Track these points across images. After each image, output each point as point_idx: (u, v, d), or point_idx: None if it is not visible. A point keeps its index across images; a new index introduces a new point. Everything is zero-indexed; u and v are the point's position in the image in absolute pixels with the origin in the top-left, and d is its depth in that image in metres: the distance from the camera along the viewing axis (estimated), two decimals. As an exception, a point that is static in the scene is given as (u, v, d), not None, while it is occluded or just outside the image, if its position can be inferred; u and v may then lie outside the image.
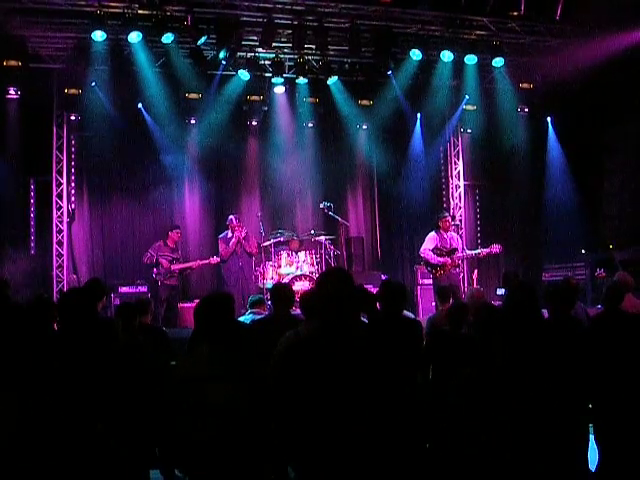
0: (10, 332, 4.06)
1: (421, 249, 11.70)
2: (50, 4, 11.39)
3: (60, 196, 13.39)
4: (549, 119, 15.54)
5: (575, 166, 14.98)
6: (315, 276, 12.38)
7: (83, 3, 11.43)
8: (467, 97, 14.73)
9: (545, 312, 5.49)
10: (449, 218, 11.96)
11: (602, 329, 4.44)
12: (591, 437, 4.19)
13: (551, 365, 3.57)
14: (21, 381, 3.47)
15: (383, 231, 15.82)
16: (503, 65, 13.72)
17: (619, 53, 12.12)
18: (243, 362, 3.51)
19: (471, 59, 13.45)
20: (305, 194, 15.18)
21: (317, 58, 13.70)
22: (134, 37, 11.92)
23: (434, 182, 15.99)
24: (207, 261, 12.54)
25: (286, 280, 12.08)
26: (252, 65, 13.34)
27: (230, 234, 12.40)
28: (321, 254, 13.04)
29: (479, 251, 12.22)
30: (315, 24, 12.54)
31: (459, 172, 15.96)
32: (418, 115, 15.18)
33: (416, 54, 13.17)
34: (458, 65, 13.72)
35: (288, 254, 12.83)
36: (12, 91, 12.64)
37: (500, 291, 13.01)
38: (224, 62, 12.93)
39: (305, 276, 12.48)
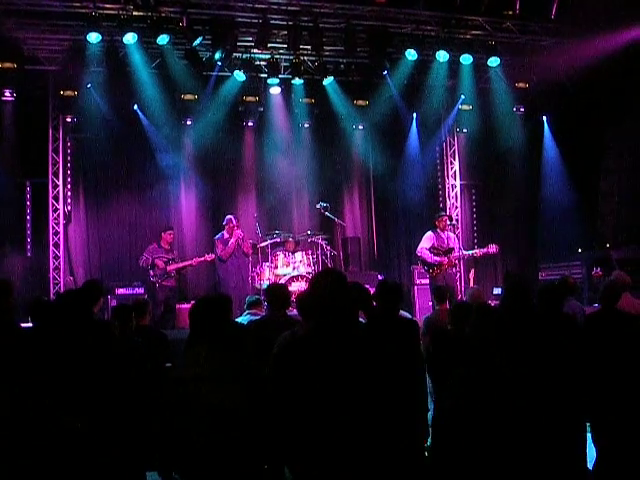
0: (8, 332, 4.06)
1: (418, 248, 11.72)
2: (45, 6, 11.38)
3: (56, 198, 13.37)
4: (545, 118, 15.56)
5: (571, 165, 15.01)
6: (311, 277, 12.38)
7: (78, 5, 11.41)
8: (463, 97, 14.74)
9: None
10: (446, 218, 11.97)
11: (596, 327, 4.44)
12: (588, 435, 4.20)
13: (546, 363, 3.57)
14: (15, 382, 3.47)
15: (380, 231, 15.81)
16: (499, 65, 13.73)
17: (614, 52, 12.13)
18: (240, 363, 3.51)
19: (466, 59, 13.46)
20: (301, 194, 15.18)
21: (313, 58, 13.70)
22: (129, 38, 11.89)
23: (430, 182, 16.02)
24: (203, 258, 12.51)
25: (283, 281, 12.08)
26: (248, 66, 13.34)
27: (227, 235, 12.38)
28: (318, 254, 13.04)
29: (476, 251, 12.25)
30: (310, 24, 12.53)
31: (455, 172, 15.97)
32: (414, 115, 15.18)
33: (411, 54, 13.16)
34: (454, 65, 13.74)
35: (285, 255, 12.83)
36: (7, 93, 12.64)
37: (497, 290, 13.04)
38: (219, 63, 12.91)
39: (302, 277, 12.48)
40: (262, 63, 13.64)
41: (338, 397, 3.16)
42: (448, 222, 11.91)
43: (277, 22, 12.57)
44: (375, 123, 14.84)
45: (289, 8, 12.27)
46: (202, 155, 14.29)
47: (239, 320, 6.77)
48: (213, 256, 12.49)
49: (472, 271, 14.17)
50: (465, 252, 12.02)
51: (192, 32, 12.08)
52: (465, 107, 14.97)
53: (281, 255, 12.82)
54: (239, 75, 13.34)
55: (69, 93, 12.87)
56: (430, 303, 11.93)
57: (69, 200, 13.68)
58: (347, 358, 3.23)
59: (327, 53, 13.52)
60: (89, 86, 12.74)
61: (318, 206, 13.41)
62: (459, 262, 13.08)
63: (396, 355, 3.50)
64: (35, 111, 13.12)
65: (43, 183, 13.36)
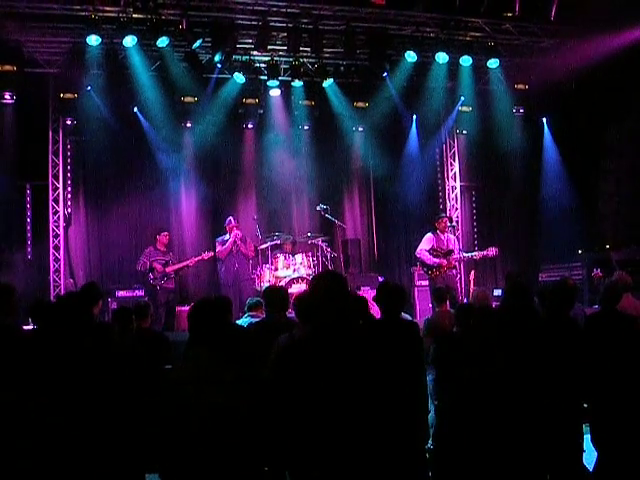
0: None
1: (417, 250, 11.73)
2: (45, 9, 11.38)
3: (56, 200, 13.38)
4: (544, 120, 15.56)
5: (571, 166, 15.00)
6: (311, 279, 12.37)
7: (78, 7, 11.42)
8: (462, 98, 14.75)
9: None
10: (446, 219, 11.98)
11: (596, 329, 4.43)
12: (588, 437, 4.20)
13: (546, 364, 3.57)
14: (16, 384, 3.47)
15: (380, 233, 15.81)
16: (498, 66, 13.76)
17: (614, 53, 12.13)
18: (240, 365, 3.50)
19: (466, 60, 13.48)
20: (301, 197, 15.17)
21: (312, 61, 13.70)
22: (129, 41, 11.91)
23: (430, 184, 16.01)
24: (200, 257, 12.50)
25: (283, 283, 12.08)
26: (247, 68, 13.35)
27: (227, 236, 12.41)
28: (318, 256, 13.04)
29: (475, 254, 12.27)
30: (310, 27, 12.54)
31: (455, 173, 15.98)
32: (414, 117, 15.19)
33: (411, 56, 13.17)
34: (453, 66, 13.76)
35: (285, 257, 12.83)
36: (7, 96, 12.64)
37: (497, 292, 13.02)
38: (219, 65, 12.93)
39: (302, 279, 12.47)
40: (262, 65, 13.64)
41: (337, 399, 3.16)
42: (448, 224, 11.93)
43: (277, 24, 12.57)
44: (375, 125, 14.84)
45: (289, 10, 12.27)
46: (202, 157, 14.29)
47: (239, 322, 6.77)
48: (211, 254, 12.51)
49: (472, 273, 14.14)
50: (465, 254, 12.03)
51: (192, 34, 12.09)
52: (465, 109, 14.97)
53: (281, 257, 12.81)
54: (239, 77, 13.35)
55: (69, 96, 12.88)
56: (430, 305, 11.92)
57: (69, 202, 13.69)
58: (346, 360, 3.23)
59: (327, 55, 13.53)
60: (89, 89, 12.74)
61: (318, 208, 13.41)
62: (459, 264, 13.08)
63: (396, 357, 3.50)
64: (35, 114, 13.11)
65: (43, 185, 13.36)
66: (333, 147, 15.21)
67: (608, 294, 6.32)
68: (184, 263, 12.55)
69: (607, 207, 14.98)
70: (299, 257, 12.85)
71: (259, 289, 12.31)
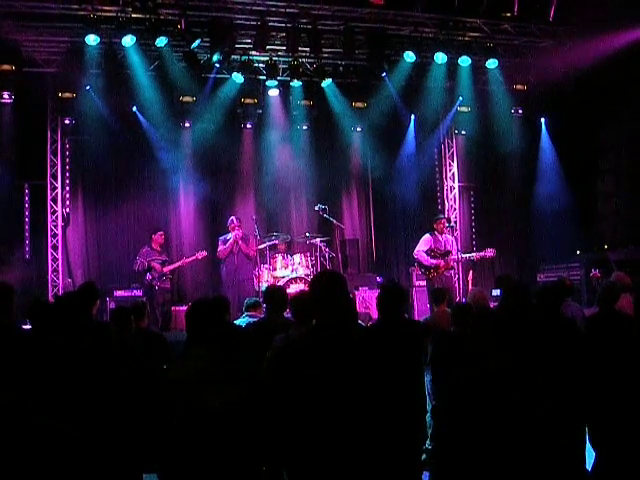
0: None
1: (415, 250, 11.74)
2: (43, 8, 11.38)
3: (55, 200, 13.38)
4: (543, 120, 15.57)
5: (569, 167, 15.01)
6: (310, 279, 12.37)
7: (76, 7, 11.42)
8: (461, 99, 14.74)
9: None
10: (444, 220, 11.99)
11: (596, 330, 4.43)
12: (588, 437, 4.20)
13: (543, 366, 3.57)
14: (15, 383, 3.47)
15: (378, 233, 15.81)
16: (497, 66, 13.76)
17: (612, 54, 12.15)
18: (238, 365, 3.50)
19: (465, 61, 13.49)
20: (300, 197, 15.17)
21: (311, 61, 13.70)
22: (128, 41, 11.91)
23: (428, 184, 16.02)
24: (194, 257, 12.51)
25: (281, 283, 12.07)
26: (246, 68, 13.33)
27: (229, 236, 12.36)
28: (316, 256, 13.03)
29: (473, 255, 12.28)
30: (309, 27, 12.55)
31: (454, 174, 15.98)
32: (412, 117, 15.19)
33: (410, 56, 13.18)
34: (452, 67, 13.77)
35: (283, 257, 12.82)
36: (6, 95, 12.60)
37: (495, 292, 13.03)
38: (218, 65, 12.92)
39: (300, 279, 12.46)
40: (260, 65, 13.62)
41: (335, 400, 3.16)
42: (446, 224, 11.93)
43: (275, 24, 12.58)
44: (373, 125, 14.82)
45: (287, 10, 12.27)
46: (201, 157, 14.28)
47: (237, 322, 6.77)
48: (204, 253, 12.52)
49: (470, 273, 14.17)
50: (463, 255, 12.05)
51: (190, 34, 12.10)
52: (463, 109, 14.96)
53: (279, 257, 12.80)
54: (237, 77, 13.35)
55: (67, 95, 12.87)
56: (428, 305, 11.93)
57: (67, 202, 13.68)
58: (345, 360, 3.23)
59: (325, 55, 13.52)
60: (88, 88, 12.73)
61: (317, 208, 13.41)
62: (457, 265, 13.09)
63: (394, 358, 3.50)
64: (33, 113, 13.12)
65: (41, 185, 13.36)
66: (332, 147, 15.21)
67: (605, 295, 6.34)
68: (179, 263, 12.55)
69: (605, 207, 15.00)
70: (297, 257, 12.84)
71: (257, 289, 12.31)
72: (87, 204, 13.98)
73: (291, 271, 12.64)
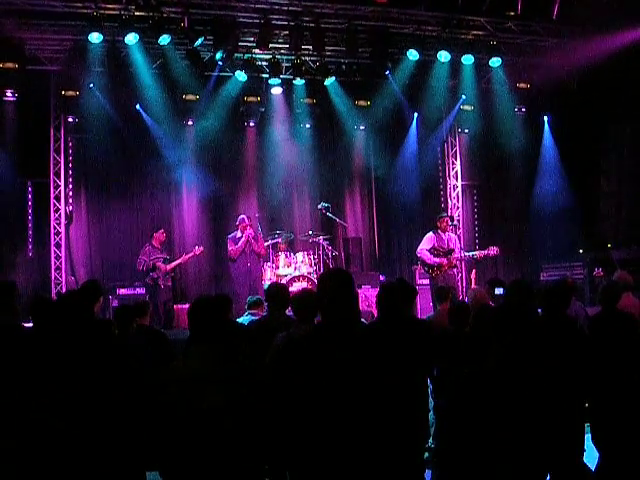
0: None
1: (418, 249, 11.72)
2: (47, 6, 11.41)
3: (58, 198, 13.38)
4: (546, 119, 15.55)
5: (572, 165, 15.00)
6: (313, 277, 12.39)
7: (79, 5, 11.44)
8: (464, 97, 14.72)
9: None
10: (447, 219, 11.96)
11: (600, 330, 4.43)
12: (588, 436, 4.20)
13: (544, 364, 3.57)
14: (18, 382, 3.47)
15: (381, 231, 15.81)
16: (500, 65, 13.74)
17: (616, 53, 12.13)
18: (240, 363, 3.50)
19: (468, 59, 13.48)
20: (303, 195, 15.19)
21: (314, 59, 13.70)
22: (131, 39, 11.91)
23: (431, 182, 16.01)
24: (192, 253, 12.49)
25: (284, 281, 12.06)
26: (249, 66, 13.34)
27: (239, 234, 12.20)
28: (319, 255, 13.04)
29: (476, 253, 12.25)
30: (312, 25, 12.54)
31: (457, 172, 15.97)
32: (415, 115, 15.18)
33: (413, 54, 13.18)
34: (455, 65, 13.74)
35: (286, 255, 12.82)
36: (9, 93, 12.61)
37: (498, 291, 13.00)
38: (221, 63, 12.92)
39: (303, 277, 12.47)
40: (263, 63, 13.64)
41: (338, 398, 3.16)
42: (449, 223, 11.91)
43: (278, 22, 12.59)
44: (376, 123, 14.84)
45: (290, 8, 12.27)
46: (203, 155, 14.30)
47: (240, 320, 6.77)
48: (202, 249, 12.51)
49: (473, 272, 14.15)
50: (466, 253, 12.03)
51: (193, 32, 12.10)
52: (466, 107, 14.95)
53: (282, 255, 12.80)
54: (240, 75, 13.36)
55: (71, 93, 12.88)
56: (431, 303, 11.92)
57: (70, 200, 13.68)
58: (347, 358, 3.23)
59: (328, 53, 13.52)
60: (91, 86, 12.75)
61: (319, 206, 13.41)
62: (460, 263, 13.08)
63: (398, 356, 3.49)
64: (37, 111, 13.12)
65: (44, 183, 13.38)
66: (334, 145, 15.23)
67: (606, 294, 6.32)
68: (179, 260, 12.54)
69: (608, 206, 14.98)
70: (300, 255, 12.84)
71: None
72: (90, 202, 14.00)
73: (294, 269, 12.65)
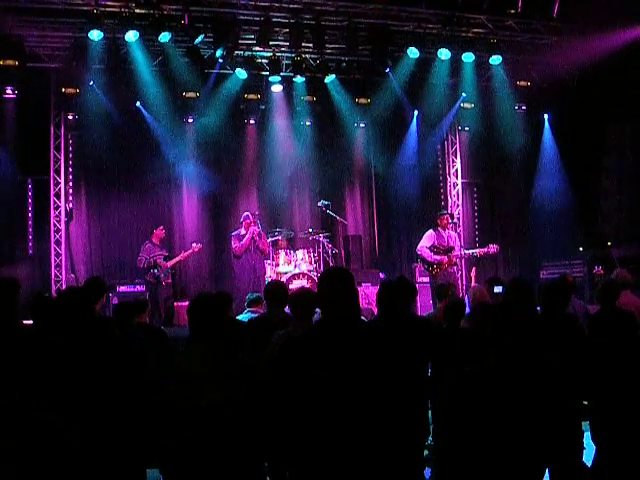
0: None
1: (418, 246, 11.71)
2: (47, 3, 11.38)
3: (58, 195, 13.39)
4: (546, 117, 15.54)
5: (572, 163, 14.99)
6: (313, 274, 12.39)
7: (80, 2, 11.44)
8: (464, 95, 14.72)
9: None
10: (447, 216, 11.96)
11: (600, 328, 4.43)
12: (587, 435, 4.21)
13: (543, 362, 3.57)
14: (18, 380, 3.48)
15: (381, 229, 15.82)
16: (500, 63, 13.73)
17: (616, 51, 12.12)
18: (240, 361, 3.51)
19: (468, 57, 13.47)
20: (303, 193, 15.19)
21: (314, 56, 13.71)
22: (131, 36, 11.92)
23: (432, 180, 16.02)
24: (191, 250, 12.51)
25: (284, 279, 12.07)
26: (249, 64, 13.34)
27: (243, 231, 12.21)
28: (319, 252, 13.05)
29: (476, 251, 12.26)
30: (312, 22, 12.54)
31: (457, 170, 15.98)
32: (415, 113, 15.17)
33: (413, 52, 13.18)
34: (455, 63, 13.74)
35: (286, 253, 12.83)
36: (9, 90, 12.62)
37: (497, 289, 13.01)
38: (221, 61, 12.93)
39: (303, 274, 12.48)
40: (264, 61, 13.63)
41: (338, 396, 3.16)
42: (450, 220, 11.91)
43: (279, 20, 12.57)
44: (376, 121, 14.84)
45: (291, 6, 12.27)
46: (204, 153, 14.29)
47: (240, 318, 6.78)
48: (200, 246, 12.51)
49: (473, 269, 14.16)
50: (465, 251, 12.03)
51: (194, 30, 12.10)
52: (467, 105, 14.96)
53: (282, 253, 12.80)
54: (241, 73, 13.35)
55: (71, 90, 12.87)
56: (431, 301, 11.93)
57: (70, 197, 13.68)
58: (347, 356, 3.23)
59: (329, 51, 13.52)
60: (91, 83, 12.74)
61: (320, 204, 13.42)
62: (460, 261, 13.08)
63: (398, 353, 3.49)
64: (37, 108, 13.10)
65: (45, 180, 13.38)
66: (335, 143, 15.21)
67: (605, 292, 6.32)
68: (178, 258, 12.55)
69: (608, 204, 14.96)
70: (300, 253, 12.85)
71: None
72: (90, 199, 14.00)
73: (294, 267, 12.65)
